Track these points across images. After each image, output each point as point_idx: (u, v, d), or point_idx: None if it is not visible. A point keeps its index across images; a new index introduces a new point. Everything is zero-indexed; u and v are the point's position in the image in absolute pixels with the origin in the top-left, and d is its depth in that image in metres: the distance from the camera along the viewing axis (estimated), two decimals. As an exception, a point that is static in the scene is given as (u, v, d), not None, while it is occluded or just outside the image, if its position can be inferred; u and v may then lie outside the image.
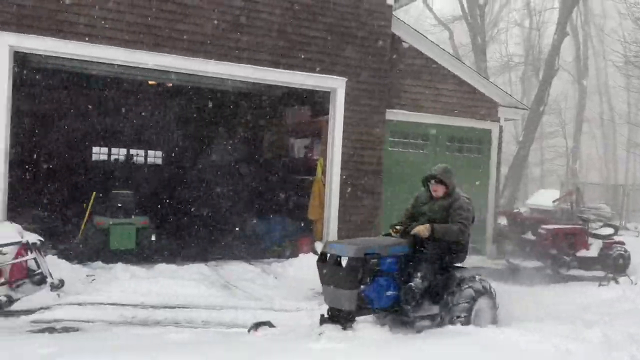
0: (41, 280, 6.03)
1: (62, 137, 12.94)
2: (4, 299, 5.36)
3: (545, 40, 23.93)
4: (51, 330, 5.09)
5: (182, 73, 8.58)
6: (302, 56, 8.64)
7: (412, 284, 4.96)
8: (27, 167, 10.74)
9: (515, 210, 12.91)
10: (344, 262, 4.81)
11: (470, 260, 9.21)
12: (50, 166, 12.40)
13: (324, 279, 4.93)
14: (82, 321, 5.39)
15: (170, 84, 12.36)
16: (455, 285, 5.15)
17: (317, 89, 9.26)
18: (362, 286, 4.85)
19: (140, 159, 15.40)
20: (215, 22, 8.03)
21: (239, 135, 14.09)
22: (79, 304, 5.79)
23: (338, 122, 8.99)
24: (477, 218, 10.23)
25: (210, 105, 13.68)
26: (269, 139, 13.11)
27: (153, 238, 8.89)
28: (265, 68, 8.40)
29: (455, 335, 4.66)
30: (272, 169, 12.56)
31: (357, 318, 4.92)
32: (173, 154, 15.03)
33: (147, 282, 6.59)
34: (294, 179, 11.33)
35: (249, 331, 4.89)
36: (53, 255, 7.08)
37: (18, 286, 6.08)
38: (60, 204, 11.31)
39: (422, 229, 5.13)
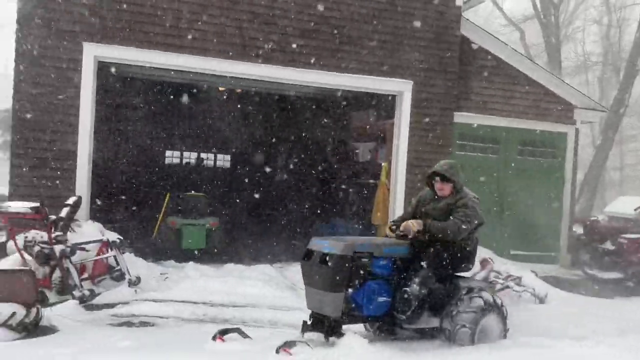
0: (120, 277, 6.38)
1: (138, 142, 13.65)
2: (87, 292, 5.72)
3: (626, 38, 22.49)
4: (129, 324, 5.37)
5: (251, 79, 8.83)
6: (368, 60, 8.61)
7: (407, 289, 4.40)
8: (106, 169, 11.41)
9: (592, 218, 12.18)
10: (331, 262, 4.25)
11: (543, 269, 8.90)
12: (128, 169, 13.10)
13: (307, 280, 4.45)
14: (157, 317, 5.65)
15: (239, 90, 12.74)
16: (461, 297, 4.56)
17: (383, 93, 9.21)
18: (349, 290, 4.28)
19: (210, 162, 15.96)
20: (283, 29, 8.19)
21: (304, 139, 14.26)
22: (154, 301, 6.06)
23: (404, 126, 8.89)
24: (546, 224, 9.76)
25: (276, 109, 13.98)
26: (333, 143, 13.19)
27: (221, 238, 9.18)
28: (331, 73, 8.46)
29: (507, 348, 4.34)
30: (336, 172, 12.62)
31: (345, 326, 4.41)
32: (240, 158, 15.45)
33: (216, 281, 6.81)
34: (358, 183, 11.32)
35: (213, 338, 4.38)
36: (130, 253, 7.47)
37: (99, 281, 6.49)
38: (137, 205, 11.93)
39: (411, 224, 4.57)
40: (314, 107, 13.32)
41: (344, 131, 12.44)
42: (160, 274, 7.30)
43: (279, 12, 8.15)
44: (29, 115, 7.27)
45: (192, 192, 10.25)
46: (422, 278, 4.47)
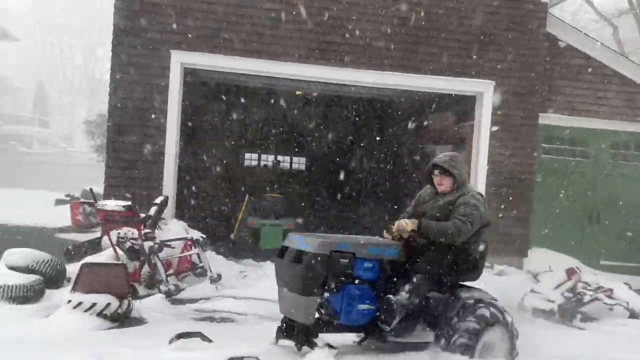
0: (202, 274, 6.65)
1: (219, 144, 14.19)
2: (172, 287, 6.01)
3: None
4: (211, 319, 5.57)
5: (329, 83, 8.93)
6: (448, 60, 8.42)
7: (391, 296, 3.80)
8: (190, 171, 11.97)
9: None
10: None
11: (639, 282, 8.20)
12: (210, 171, 13.66)
13: (279, 280, 4.03)
14: (237, 313, 5.81)
15: (316, 93, 12.89)
16: (459, 308, 3.94)
17: (462, 94, 8.96)
18: (325, 294, 3.77)
19: (286, 165, 16.28)
20: (364, 32, 8.20)
21: (380, 142, 14.18)
22: (234, 298, 6.26)
23: (484, 128, 8.60)
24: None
25: (351, 112, 14.00)
26: (409, 146, 12.99)
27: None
28: (410, 74, 8.36)
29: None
30: (412, 176, 12.42)
31: (329, 336, 3.90)
32: (316, 160, 15.63)
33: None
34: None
35: (170, 342, 4.02)
36: (212, 251, 7.77)
37: (183, 277, 6.79)
38: (218, 205, 12.40)
39: (405, 223, 4.06)
40: (390, 109, 13.21)
41: (421, 134, 12.23)
42: (240, 272, 7.53)
43: (357, 15, 8.18)
44: (121, 120, 7.80)
45: (270, 193, 10.50)
46: (414, 285, 3.87)
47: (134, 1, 7.74)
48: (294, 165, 16.44)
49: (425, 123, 11.92)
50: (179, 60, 7.86)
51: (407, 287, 3.88)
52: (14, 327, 4.53)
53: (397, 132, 13.47)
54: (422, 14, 8.36)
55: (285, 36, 8.04)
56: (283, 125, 14.79)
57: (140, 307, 5.23)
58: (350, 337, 4.36)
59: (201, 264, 6.71)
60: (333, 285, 3.78)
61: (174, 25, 7.81)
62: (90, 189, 7.01)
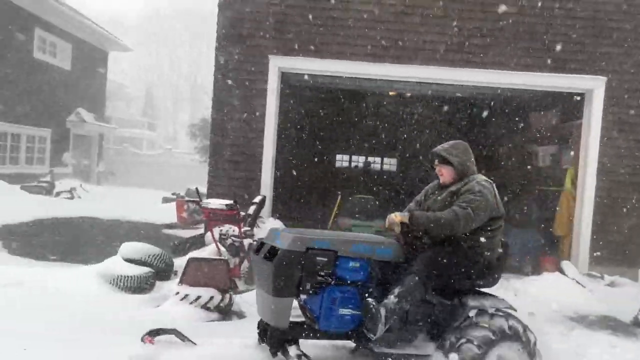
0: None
1: (312, 145, 14.47)
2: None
3: None
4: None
5: (422, 83, 8.78)
6: (552, 56, 7.93)
7: (370, 299, 3.32)
8: (285, 172, 12.32)
9: None
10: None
11: None
12: (303, 171, 13.97)
13: (256, 279, 3.71)
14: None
15: (409, 94, 12.72)
16: (465, 319, 3.41)
17: (568, 91, 8.40)
18: (302, 295, 3.40)
19: (377, 166, 16.22)
20: (459, 29, 7.97)
21: (476, 142, 13.66)
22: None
23: (594, 127, 7.99)
24: None
25: (445, 112, 13.63)
26: (509, 146, 12.41)
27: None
28: (510, 72, 7.98)
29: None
30: (512, 178, 11.85)
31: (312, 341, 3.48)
32: (407, 162, 15.42)
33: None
34: (537, 189, 10.47)
35: (141, 339, 3.73)
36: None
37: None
38: (311, 205, 12.65)
39: (394, 216, 3.58)
40: (488, 108, 12.69)
41: (522, 134, 11.63)
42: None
43: (454, 12, 7.97)
44: (223, 123, 8.21)
45: (362, 194, 10.54)
46: (404, 288, 3.34)
47: (236, 11, 8.12)
48: (385, 167, 16.37)
49: (526, 123, 11.33)
50: (277, 64, 8.13)
51: (396, 290, 3.35)
52: (128, 313, 4.92)
53: (496, 132, 12.91)
54: (524, 7, 7.95)
55: (379, 37, 8.02)
56: (374, 127, 14.76)
57: (240, 301, 5.44)
58: (341, 345, 3.96)
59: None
60: (308, 287, 3.35)
61: (272, 32, 8.09)
62: (196, 189, 7.45)
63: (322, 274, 3.38)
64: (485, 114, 12.87)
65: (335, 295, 3.41)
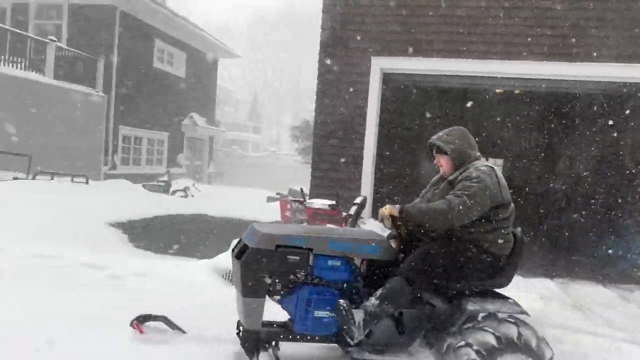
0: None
1: (414, 146, 14.25)
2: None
3: None
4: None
5: (533, 79, 8.30)
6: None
7: (342, 300, 3.03)
8: (384, 173, 12.27)
9: None
10: None
11: None
12: (404, 172, 13.82)
13: (232, 279, 3.52)
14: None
15: (518, 91, 12.06)
16: (467, 321, 3.05)
17: None
18: (276, 296, 3.20)
19: (482, 167, 15.57)
20: (572, 22, 7.44)
21: (591, 142, 12.64)
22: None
23: None
24: None
25: (558, 110, 12.74)
26: (630, 144, 11.31)
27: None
28: (632, 64, 7.30)
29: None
30: (632, 179, 10.80)
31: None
32: (515, 163, 14.64)
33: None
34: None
35: (130, 324, 3.59)
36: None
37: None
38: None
39: (383, 209, 3.30)
40: (603, 105, 11.68)
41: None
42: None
43: (567, 4, 7.45)
44: (325, 125, 8.38)
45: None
46: (387, 289, 3.04)
47: (339, 13, 8.25)
48: (491, 168, 15.70)
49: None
50: (379, 65, 8.14)
51: (379, 292, 3.08)
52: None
53: (614, 131, 11.84)
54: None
55: (485, 33, 7.72)
56: (479, 126, 14.19)
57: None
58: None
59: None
60: (279, 287, 3.14)
61: (375, 33, 8.11)
62: (301, 189, 7.70)
63: (296, 273, 3.15)
64: (602, 110, 11.86)
65: (311, 296, 3.15)
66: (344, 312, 2.97)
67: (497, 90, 12.39)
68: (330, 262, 3.20)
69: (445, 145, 3.45)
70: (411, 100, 13.46)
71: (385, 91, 9.72)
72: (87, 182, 12.43)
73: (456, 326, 3.06)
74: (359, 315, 2.98)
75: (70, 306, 4.16)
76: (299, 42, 53.61)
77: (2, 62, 14.23)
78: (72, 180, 12.21)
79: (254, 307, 3.11)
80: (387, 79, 8.97)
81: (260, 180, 26.69)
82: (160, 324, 3.73)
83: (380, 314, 3.03)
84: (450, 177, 3.41)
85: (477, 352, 2.95)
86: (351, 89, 8.22)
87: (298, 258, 3.14)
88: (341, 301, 3.02)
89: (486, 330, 3.00)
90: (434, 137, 3.57)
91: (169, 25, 20.42)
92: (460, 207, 3.07)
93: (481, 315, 3.06)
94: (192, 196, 17.08)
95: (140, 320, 3.59)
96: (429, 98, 13.64)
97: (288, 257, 3.12)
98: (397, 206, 3.30)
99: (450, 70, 8.11)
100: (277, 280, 3.13)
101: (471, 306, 3.09)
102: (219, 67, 26.70)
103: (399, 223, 3.33)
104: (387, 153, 12.96)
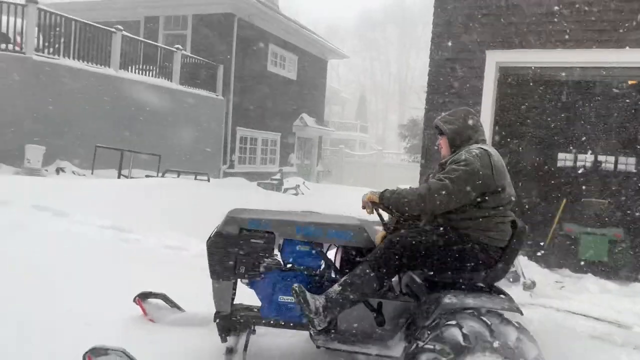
0: (515, 278, 6.46)
1: (531, 144, 13.45)
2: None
3: None
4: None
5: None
6: None
7: (296, 285, 2.86)
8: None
9: None
10: None
11: None
12: (521, 172, 13.10)
13: None
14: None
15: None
16: (436, 318, 2.78)
17: None
18: (244, 280, 3.16)
19: (609, 166, 14.27)
20: None
21: None
22: (550, 307, 5.86)
23: None
24: None
25: None
26: None
27: (627, 252, 8.11)
28: None
29: None
30: None
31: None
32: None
33: (624, 300, 6.05)
34: None
35: (134, 300, 3.68)
36: (524, 256, 7.46)
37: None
38: (528, 207, 11.79)
39: (364, 195, 3.15)
40: None
41: None
42: (555, 282, 7.03)
43: None
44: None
45: (591, 198, 9.41)
46: (350, 277, 2.87)
47: (451, 7, 8.04)
48: (620, 167, 14.29)
49: None
50: (494, 59, 7.80)
51: (343, 279, 2.92)
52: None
53: None
54: None
55: (612, 20, 7.07)
56: (605, 122, 12.99)
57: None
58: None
59: (514, 269, 6.52)
60: (243, 270, 3.11)
61: (489, 26, 7.79)
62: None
63: (260, 257, 3.13)
64: None
65: (276, 281, 3.14)
66: (296, 297, 2.85)
67: (631, 82, 11.28)
68: (298, 247, 3.18)
69: (444, 125, 3.29)
70: (529, 95, 12.71)
71: (501, 85, 9.28)
72: (208, 180, 13.39)
73: (430, 320, 2.85)
74: (319, 301, 2.86)
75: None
76: (406, 40, 52.97)
77: (138, 70, 15.80)
78: (195, 178, 13.21)
79: (221, 289, 3.15)
80: (503, 71, 8.57)
81: (366, 179, 26.82)
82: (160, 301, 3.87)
83: (344, 301, 2.88)
84: (442, 160, 3.22)
85: (441, 351, 2.72)
86: (464, 83, 7.98)
87: (262, 242, 3.13)
88: (295, 285, 2.90)
89: (455, 326, 2.76)
90: (437, 118, 3.43)
91: (283, 29, 21.25)
92: (443, 192, 2.85)
93: (457, 309, 2.83)
94: (303, 194, 17.65)
95: (142, 297, 3.74)
96: (548, 92, 12.77)
97: (251, 240, 3.12)
98: (377, 191, 3.17)
99: (574, 61, 7.55)
100: (242, 264, 3.13)
101: (448, 299, 2.86)
102: (327, 68, 27.27)
103: (380, 209, 3.21)
104: (503, 150, 12.38)
